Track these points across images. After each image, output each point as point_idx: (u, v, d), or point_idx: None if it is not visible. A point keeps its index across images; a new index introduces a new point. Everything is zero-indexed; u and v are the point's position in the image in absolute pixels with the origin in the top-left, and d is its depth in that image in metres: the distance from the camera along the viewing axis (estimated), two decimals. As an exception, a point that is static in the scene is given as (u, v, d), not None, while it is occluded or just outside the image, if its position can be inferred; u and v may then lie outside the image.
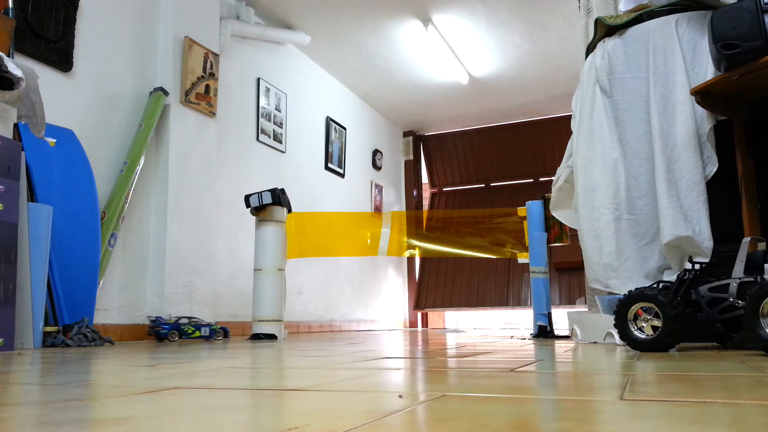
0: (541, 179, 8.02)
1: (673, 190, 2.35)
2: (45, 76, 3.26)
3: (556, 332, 3.56)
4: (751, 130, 2.38)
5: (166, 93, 4.09)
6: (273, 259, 3.78)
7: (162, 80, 4.16)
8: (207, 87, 4.45)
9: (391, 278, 7.99)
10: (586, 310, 3.09)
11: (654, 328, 1.94)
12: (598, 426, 0.67)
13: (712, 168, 2.34)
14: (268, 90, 5.52)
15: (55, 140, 3.23)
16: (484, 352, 2.13)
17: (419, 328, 8.09)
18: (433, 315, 8.58)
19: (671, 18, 2.48)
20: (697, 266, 2.03)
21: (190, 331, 3.59)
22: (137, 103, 4.03)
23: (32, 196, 2.96)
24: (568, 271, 7.11)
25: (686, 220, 2.31)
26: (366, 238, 4.49)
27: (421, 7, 5.36)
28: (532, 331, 3.84)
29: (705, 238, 2.29)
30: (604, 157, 2.59)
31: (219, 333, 3.78)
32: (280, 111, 5.69)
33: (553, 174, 3.25)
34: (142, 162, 3.83)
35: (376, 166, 7.73)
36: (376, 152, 7.74)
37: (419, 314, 8.42)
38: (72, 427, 0.68)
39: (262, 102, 5.43)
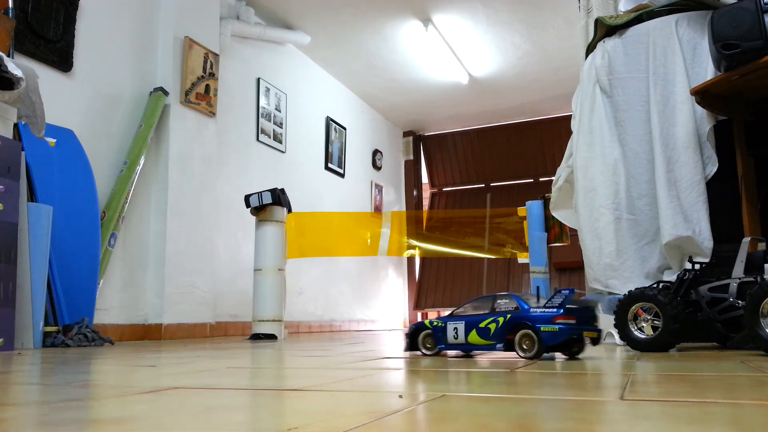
0: (541, 179, 8.02)
1: (673, 190, 2.35)
2: (45, 76, 3.26)
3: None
4: (751, 130, 2.38)
5: (166, 93, 4.09)
6: (273, 259, 3.78)
7: (162, 80, 4.16)
8: (207, 87, 4.45)
9: (391, 278, 7.99)
10: (586, 310, 3.09)
11: (654, 328, 1.94)
12: (598, 426, 0.67)
13: (712, 168, 2.34)
14: (268, 90, 5.52)
15: (55, 140, 3.23)
16: (484, 351, 2.13)
17: (419, 328, 8.08)
18: (433, 315, 8.57)
19: (671, 18, 2.48)
20: (697, 266, 2.03)
21: None
22: (137, 103, 4.03)
23: (32, 196, 2.96)
24: (568, 271, 7.10)
25: (686, 220, 2.31)
26: (366, 238, 4.49)
27: (421, 7, 5.36)
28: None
29: (705, 238, 2.29)
30: (604, 157, 2.59)
31: None
32: (280, 111, 5.69)
33: (553, 174, 3.25)
34: (142, 162, 3.83)
35: (376, 166, 7.73)
36: (376, 152, 7.74)
37: (419, 314, 8.42)
38: (72, 427, 0.68)
39: (262, 102, 5.43)
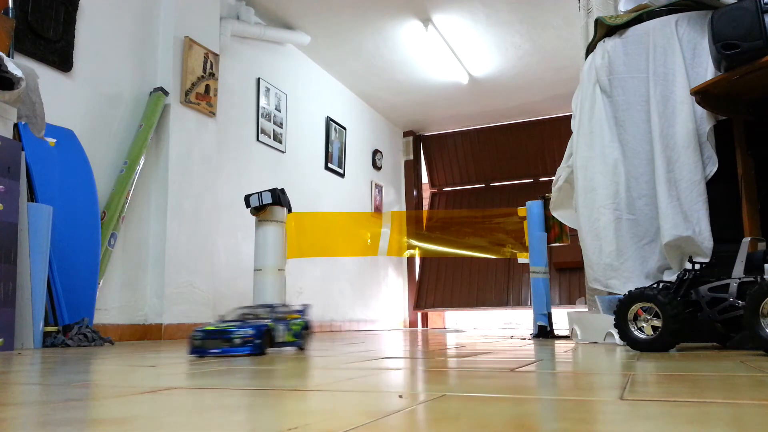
0: (541, 179, 8.02)
1: (673, 190, 2.35)
2: (45, 76, 3.26)
3: (556, 332, 3.56)
4: (751, 130, 2.38)
5: (166, 93, 4.09)
6: (273, 259, 3.77)
7: (162, 80, 4.16)
8: (207, 87, 4.45)
9: (391, 278, 7.99)
10: (586, 310, 3.09)
11: (654, 328, 1.94)
12: (598, 426, 0.67)
13: (712, 168, 2.34)
14: (268, 90, 5.52)
15: (55, 140, 3.23)
16: (484, 352, 2.13)
17: (419, 328, 8.09)
18: (433, 315, 8.57)
19: (671, 18, 2.48)
20: (697, 266, 2.03)
21: None
22: (137, 103, 4.03)
23: (32, 196, 2.96)
24: (568, 271, 7.10)
25: (686, 220, 2.31)
26: (366, 238, 4.49)
27: (421, 7, 5.36)
28: (532, 331, 3.83)
29: (705, 238, 2.29)
30: (604, 157, 2.59)
31: None
32: (280, 111, 5.69)
33: (553, 174, 3.25)
34: (142, 162, 3.83)
35: (376, 166, 7.73)
36: (376, 152, 7.74)
37: (419, 314, 8.42)
38: (72, 427, 0.68)
39: (262, 102, 5.43)
